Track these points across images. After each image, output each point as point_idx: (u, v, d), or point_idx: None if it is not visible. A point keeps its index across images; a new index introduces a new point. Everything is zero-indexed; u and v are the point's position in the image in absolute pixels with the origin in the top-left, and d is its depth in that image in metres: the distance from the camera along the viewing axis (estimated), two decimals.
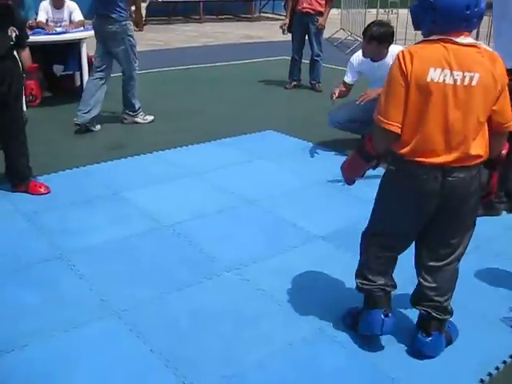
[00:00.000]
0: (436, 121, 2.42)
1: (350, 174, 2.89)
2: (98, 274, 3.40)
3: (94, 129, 6.17)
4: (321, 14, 8.09)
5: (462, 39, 2.42)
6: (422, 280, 2.76)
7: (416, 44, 2.54)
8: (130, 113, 6.42)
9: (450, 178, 2.47)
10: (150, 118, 6.52)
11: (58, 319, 2.97)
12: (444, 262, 2.70)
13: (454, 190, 2.50)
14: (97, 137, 6.00)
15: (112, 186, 4.70)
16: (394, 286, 2.85)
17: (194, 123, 6.51)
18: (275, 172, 5.12)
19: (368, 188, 4.67)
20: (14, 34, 4.06)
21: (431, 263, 2.71)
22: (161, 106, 6.99)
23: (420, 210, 2.59)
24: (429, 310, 2.75)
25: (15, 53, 4.22)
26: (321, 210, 4.36)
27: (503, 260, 3.64)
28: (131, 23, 6.18)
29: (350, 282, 3.32)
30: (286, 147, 5.76)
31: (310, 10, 8.03)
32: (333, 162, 5.35)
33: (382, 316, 2.74)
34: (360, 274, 2.88)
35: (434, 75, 2.39)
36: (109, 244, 3.76)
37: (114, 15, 5.90)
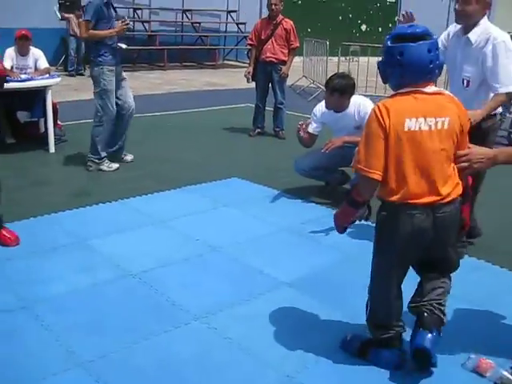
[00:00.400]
0: (418, 166, 2.68)
1: (341, 222, 3.07)
2: (63, 324, 3.36)
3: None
4: (284, 62, 8.25)
5: (429, 89, 2.71)
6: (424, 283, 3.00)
7: (388, 98, 2.76)
8: (96, 160, 6.41)
9: (439, 214, 2.74)
10: (114, 165, 6.50)
11: (23, 371, 2.92)
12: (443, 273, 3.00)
13: (444, 223, 2.77)
14: (61, 184, 5.97)
15: (77, 234, 4.67)
16: (404, 325, 3.02)
17: (159, 170, 6.53)
18: (240, 219, 5.15)
19: (331, 234, 4.79)
20: None
21: (432, 274, 2.98)
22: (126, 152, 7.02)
23: (419, 246, 2.83)
24: (431, 308, 2.91)
25: None
26: (287, 257, 4.39)
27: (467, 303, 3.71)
28: (108, 68, 6.22)
29: (317, 329, 3.37)
30: (251, 194, 5.82)
31: (274, 59, 8.19)
32: (297, 208, 5.45)
33: (399, 353, 2.98)
34: (375, 324, 3.01)
35: (411, 124, 2.65)
36: (74, 293, 3.72)
37: (93, 59, 6.19)
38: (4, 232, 4.40)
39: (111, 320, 3.43)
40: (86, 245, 4.47)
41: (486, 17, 4.13)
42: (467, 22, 4.11)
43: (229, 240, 4.63)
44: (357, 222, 3.35)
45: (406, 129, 2.64)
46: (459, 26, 4.23)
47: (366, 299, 3.06)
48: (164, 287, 3.82)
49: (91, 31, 6.09)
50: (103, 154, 6.44)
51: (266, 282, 3.97)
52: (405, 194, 2.69)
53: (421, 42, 2.63)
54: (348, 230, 4.77)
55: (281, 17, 8.23)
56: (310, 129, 5.56)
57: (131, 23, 6.13)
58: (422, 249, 2.85)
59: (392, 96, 2.77)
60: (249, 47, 8.89)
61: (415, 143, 2.65)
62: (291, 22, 8.27)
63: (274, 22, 8.20)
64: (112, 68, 6.23)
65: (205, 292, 3.80)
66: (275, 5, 8.07)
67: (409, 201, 2.70)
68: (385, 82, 2.84)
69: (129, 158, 6.86)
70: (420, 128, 2.65)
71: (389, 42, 2.73)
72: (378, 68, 2.81)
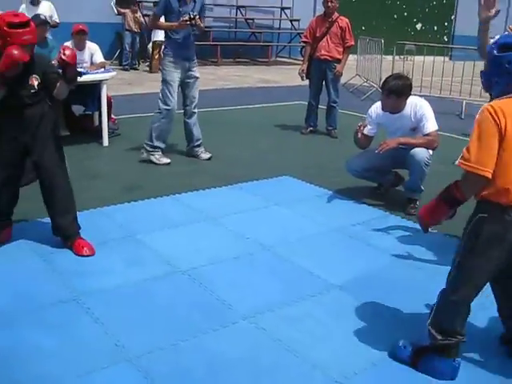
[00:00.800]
0: None
1: (431, 221, 3.04)
2: (112, 317, 3.38)
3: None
4: (338, 61, 8.18)
5: None
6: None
7: (497, 101, 2.74)
8: (148, 148, 6.53)
9: None
10: (165, 160, 6.54)
11: (71, 363, 2.94)
12: None
13: None
14: (114, 177, 6.03)
15: (128, 228, 4.70)
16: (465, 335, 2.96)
17: (211, 166, 6.55)
18: (291, 218, 5.11)
19: (382, 236, 4.72)
20: (36, 83, 3.98)
21: None
22: (178, 148, 7.04)
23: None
24: None
25: (44, 101, 4.10)
26: (337, 258, 4.33)
27: None
28: (169, 59, 6.46)
29: (367, 333, 3.31)
30: (302, 193, 5.77)
31: (328, 57, 8.12)
32: (348, 209, 5.39)
33: (455, 364, 2.93)
34: (440, 329, 2.92)
35: None
36: (124, 287, 3.75)
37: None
38: (77, 243, 4.25)
39: (160, 316, 3.43)
40: (136, 239, 4.49)
41: None
42: None
43: (279, 239, 4.60)
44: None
45: None
46: None
47: (422, 303, 2.99)
48: (213, 285, 3.81)
49: (157, 22, 6.53)
50: (157, 143, 6.50)
51: (316, 283, 3.92)
52: None
53: None
54: (399, 233, 4.73)
55: (336, 14, 8.13)
56: (366, 130, 5.47)
57: (196, 18, 6.17)
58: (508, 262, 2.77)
59: (500, 99, 2.74)
60: (303, 44, 8.83)
61: None
62: (347, 20, 8.17)
63: (330, 19, 8.10)
64: (173, 60, 6.41)
65: (254, 291, 3.77)
66: (331, 2, 7.97)
67: None
68: (487, 91, 2.91)
69: (204, 155, 6.82)
70: None
71: (495, 52, 2.77)
72: (482, 77, 2.87)
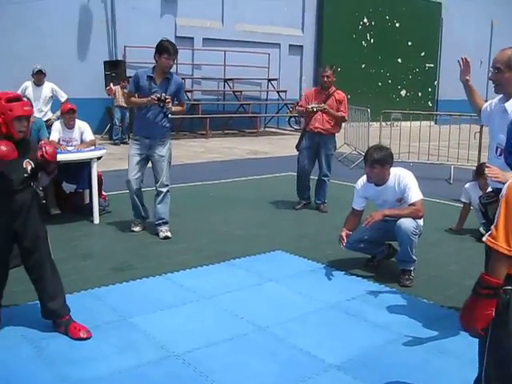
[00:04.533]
0: None
1: (478, 322, 2.59)
2: None
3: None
4: (333, 134, 8.16)
5: None
6: None
7: None
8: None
9: None
10: (134, 228, 6.93)
11: None
12: None
13: None
14: (105, 257, 5.97)
15: (120, 310, 4.62)
16: None
17: (203, 243, 6.49)
18: (286, 295, 5.04)
19: (379, 311, 4.65)
20: (29, 167, 3.97)
21: None
22: (169, 224, 7.01)
23: None
24: None
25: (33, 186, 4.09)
26: (335, 336, 4.25)
27: None
28: (133, 136, 6.86)
29: None
30: (296, 268, 5.72)
31: (322, 130, 8.03)
32: (343, 283, 5.34)
33: None
34: None
35: None
36: (118, 374, 3.65)
37: None
38: (73, 326, 4.18)
39: None
40: (129, 322, 4.41)
41: None
42: (502, 91, 4.05)
43: (274, 318, 4.52)
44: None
45: None
46: None
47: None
48: (208, 370, 3.71)
49: (130, 99, 6.79)
50: (133, 214, 6.94)
51: (313, 364, 3.84)
52: None
53: None
54: (395, 307, 4.67)
55: (333, 88, 8.06)
56: (355, 206, 5.59)
57: (167, 100, 6.31)
58: None
59: None
60: (291, 115, 8.85)
61: None
62: (344, 94, 8.12)
63: (327, 92, 8.04)
64: (135, 136, 6.74)
65: (250, 375, 3.68)
66: (328, 77, 7.93)
67: None
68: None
69: (161, 234, 6.70)
70: None
71: None
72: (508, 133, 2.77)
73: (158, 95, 6.29)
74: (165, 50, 6.35)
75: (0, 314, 4.27)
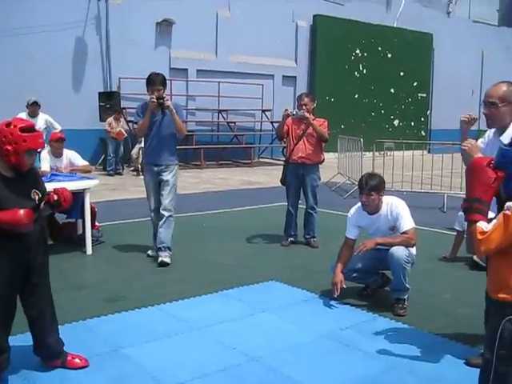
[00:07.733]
0: None
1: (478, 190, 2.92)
2: None
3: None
4: (316, 164, 7.84)
5: None
6: None
7: None
8: None
9: None
10: (149, 252, 7.12)
11: None
12: None
13: None
14: (97, 288, 5.93)
15: (112, 342, 4.57)
16: None
17: (196, 273, 6.47)
18: (279, 326, 5.00)
19: (373, 341, 4.62)
20: (37, 197, 3.84)
21: None
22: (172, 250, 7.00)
23: None
24: None
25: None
26: (328, 367, 4.21)
27: None
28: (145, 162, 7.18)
29: None
30: (289, 298, 5.69)
31: (306, 160, 7.71)
32: (336, 313, 5.31)
33: None
34: None
35: None
36: None
37: None
38: (70, 357, 4.14)
39: None
40: (120, 354, 4.36)
41: None
42: (495, 125, 4.08)
43: (267, 349, 4.48)
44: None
45: None
46: None
47: None
48: None
49: (139, 123, 6.90)
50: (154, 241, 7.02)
51: None
52: None
53: None
54: (389, 336, 4.64)
55: (312, 116, 7.77)
56: (348, 235, 5.59)
57: (165, 99, 6.62)
58: None
59: None
60: (284, 145, 8.72)
61: None
62: (323, 120, 7.83)
63: (306, 121, 7.72)
64: (145, 164, 7.09)
65: None
66: (305, 105, 7.68)
67: None
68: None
69: (159, 259, 6.75)
70: None
71: None
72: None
73: (156, 95, 6.53)
74: (151, 83, 6.69)
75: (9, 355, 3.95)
